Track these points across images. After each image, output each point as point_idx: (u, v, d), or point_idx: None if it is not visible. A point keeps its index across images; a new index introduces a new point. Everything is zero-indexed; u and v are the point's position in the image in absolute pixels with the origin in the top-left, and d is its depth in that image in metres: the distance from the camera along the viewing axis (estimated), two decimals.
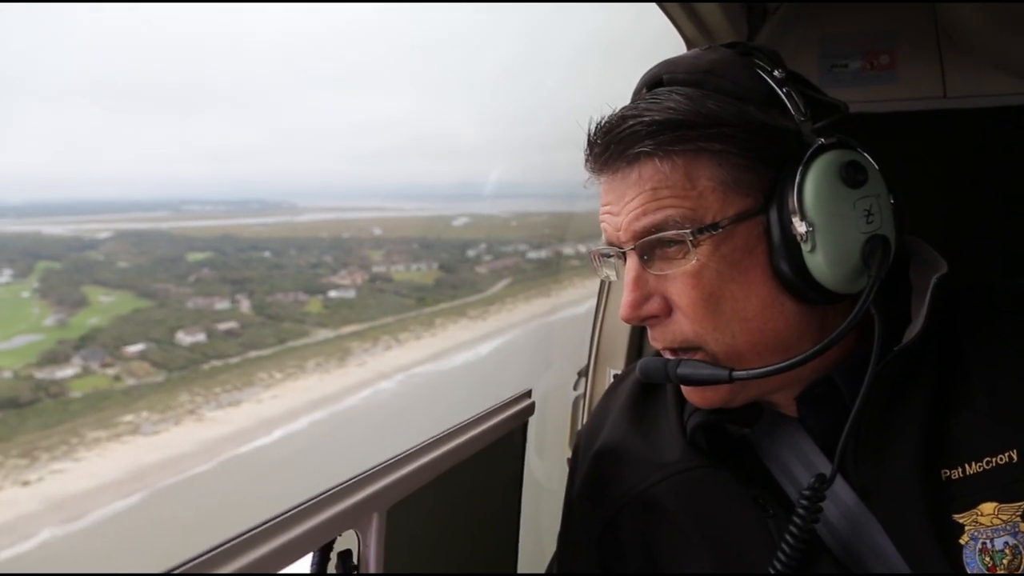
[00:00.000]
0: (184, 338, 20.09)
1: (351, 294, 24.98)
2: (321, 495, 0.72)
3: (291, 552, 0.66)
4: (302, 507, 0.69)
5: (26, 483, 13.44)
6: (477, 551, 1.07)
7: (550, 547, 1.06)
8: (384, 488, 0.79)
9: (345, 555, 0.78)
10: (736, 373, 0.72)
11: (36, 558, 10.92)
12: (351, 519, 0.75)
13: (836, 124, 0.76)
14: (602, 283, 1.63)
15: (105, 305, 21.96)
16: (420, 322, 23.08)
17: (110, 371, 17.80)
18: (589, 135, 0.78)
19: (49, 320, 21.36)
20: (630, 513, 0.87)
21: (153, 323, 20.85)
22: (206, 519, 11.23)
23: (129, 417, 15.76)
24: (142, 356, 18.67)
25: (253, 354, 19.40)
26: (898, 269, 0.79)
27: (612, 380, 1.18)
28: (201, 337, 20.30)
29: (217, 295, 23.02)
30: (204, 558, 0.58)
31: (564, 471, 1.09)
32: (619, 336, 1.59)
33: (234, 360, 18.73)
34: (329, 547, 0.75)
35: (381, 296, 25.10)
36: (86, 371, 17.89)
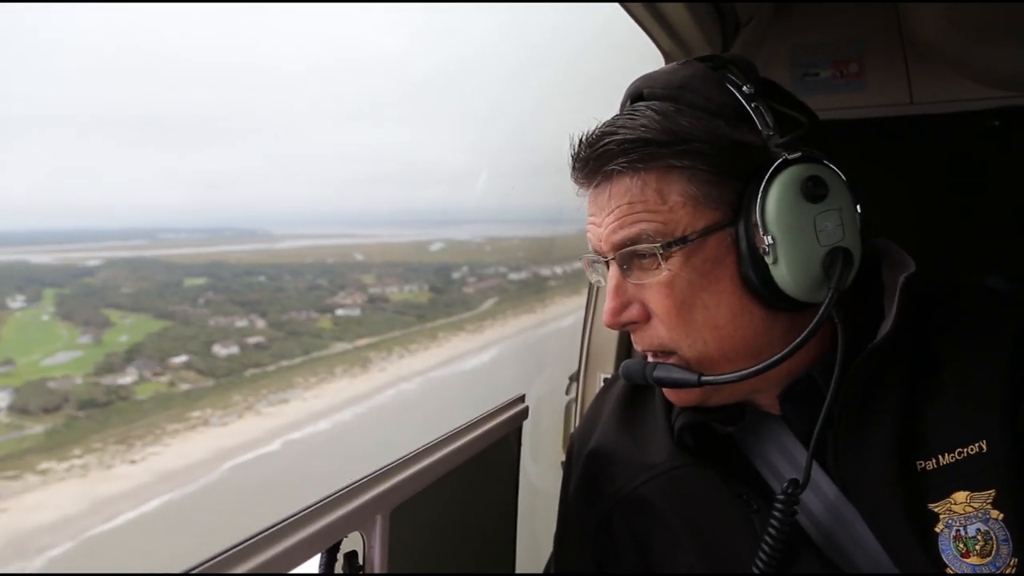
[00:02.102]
0: (220, 350, 22.20)
1: (356, 312, 27.78)
2: (327, 498, 0.75)
3: (300, 553, 0.69)
4: (309, 510, 0.72)
5: (133, 461, 16.34)
6: (477, 551, 1.09)
7: (547, 547, 1.09)
8: (387, 491, 0.82)
9: (351, 556, 0.81)
10: (704, 378, 0.77)
11: (159, 516, 14.02)
12: (356, 521, 0.77)
13: (810, 133, 0.80)
14: (590, 291, 1.67)
15: (128, 326, 24.83)
16: (424, 335, 24.83)
17: (163, 379, 19.31)
18: (572, 149, 0.82)
19: (83, 339, 23.95)
20: (621, 512, 0.91)
21: (186, 339, 23.41)
22: (281, 484, 14.52)
23: (196, 413, 17.84)
24: (187, 366, 19.99)
25: (285, 363, 20.74)
26: (870, 270, 0.82)
27: (602, 384, 1.24)
28: (235, 349, 22.56)
29: (232, 315, 26.21)
30: (219, 559, 0.60)
31: (558, 474, 1.09)
32: (608, 341, 1.64)
33: (270, 368, 20.44)
34: (336, 548, 0.79)
35: (383, 314, 28.25)
36: (142, 379, 19.30)
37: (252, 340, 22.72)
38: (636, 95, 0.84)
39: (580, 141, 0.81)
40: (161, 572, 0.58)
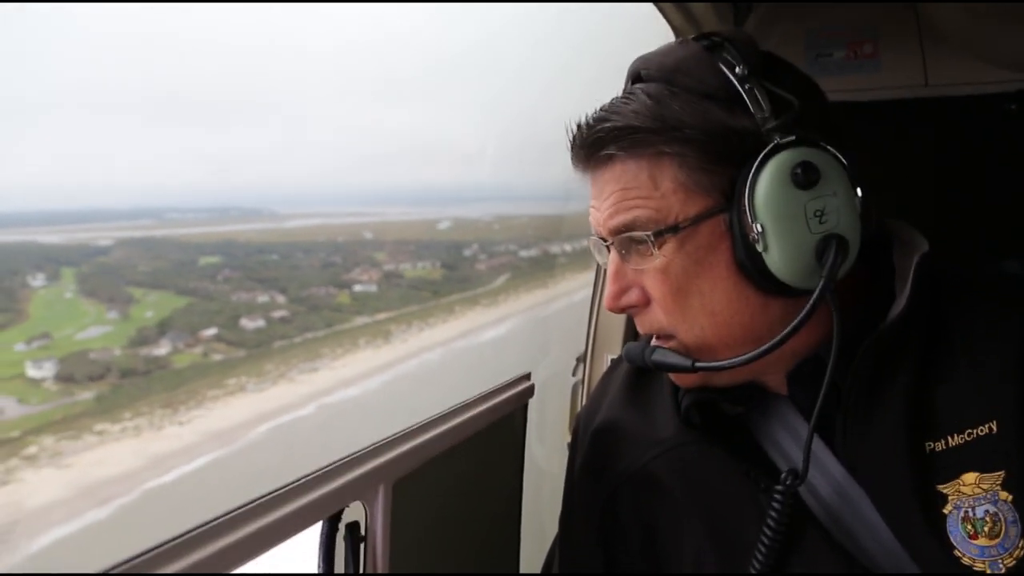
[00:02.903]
0: (248, 324, 23.01)
1: (373, 288, 29.06)
2: (329, 466, 0.76)
3: (301, 520, 0.70)
4: (311, 477, 0.73)
5: (181, 423, 17.45)
6: (480, 527, 1.11)
7: (552, 528, 1.13)
8: (390, 461, 0.83)
9: (353, 526, 0.82)
10: (698, 364, 0.78)
11: (209, 472, 15.52)
12: (358, 490, 0.79)
13: (816, 113, 0.79)
14: (597, 274, 1.70)
15: (152, 302, 26.03)
16: (441, 309, 25.43)
17: (196, 350, 20.45)
18: (571, 134, 0.83)
19: (110, 315, 25.23)
20: (628, 490, 0.91)
21: (212, 313, 24.48)
22: (318, 443, 16.00)
23: (232, 380, 19.05)
24: (217, 338, 21.04)
25: (310, 335, 21.82)
26: (881, 252, 0.83)
27: (609, 365, 1.18)
28: (261, 323, 23.48)
29: (253, 291, 27.40)
30: (216, 523, 0.62)
31: (564, 456, 1.09)
32: (616, 322, 1.68)
33: (297, 340, 21.63)
34: (337, 518, 0.80)
35: (399, 289, 29.46)
36: (176, 350, 20.41)
37: (277, 314, 23.96)
38: (635, 76, 0.85)
39: (577, 126, 0.82)
40: (155, 544, 0.57)
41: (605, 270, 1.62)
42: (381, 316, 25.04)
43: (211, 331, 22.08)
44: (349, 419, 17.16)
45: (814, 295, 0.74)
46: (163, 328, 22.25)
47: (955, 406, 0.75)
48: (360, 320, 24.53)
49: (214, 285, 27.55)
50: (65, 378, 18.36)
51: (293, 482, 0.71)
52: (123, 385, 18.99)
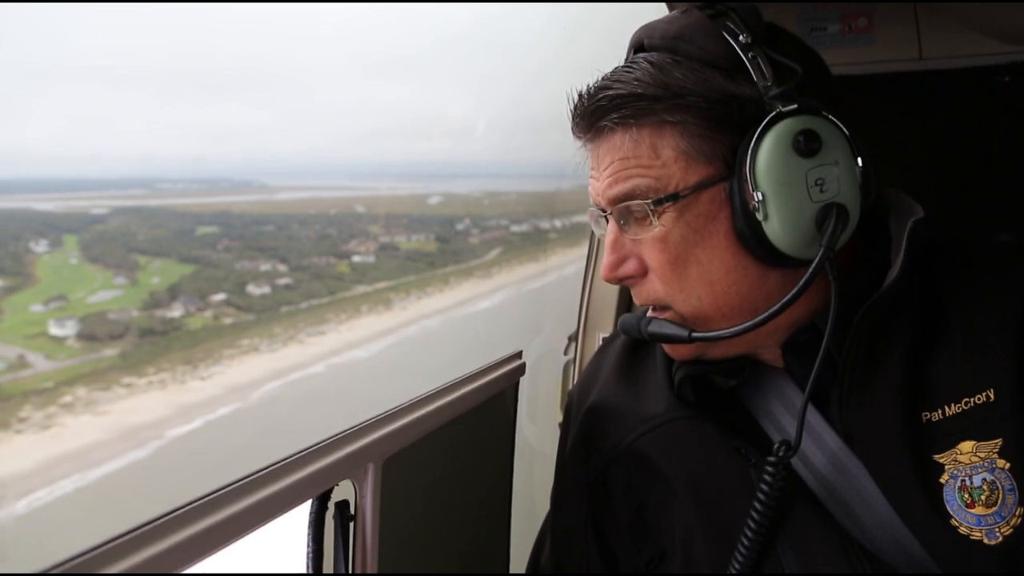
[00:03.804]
0: (254, 290, 24.14)
1: (371, 259, 30.65)
2: (317, 445, 0.76)
3: (290, 498, 0.71)
4: (300, 455, 0.73)
5: (202, 378, 19.03)
6: (471, 506, 1.11)
7: (543, 506, 1.11)
8: (379, 439, 0.84)
9: (342, 505, 0.83)
10: (695, 334, 0.79)
11: (229, 422, 16.96)
12: (347, 469, 0.79)
13: (819, 84, 0.80)
14: (589, 252, 1.72)
15: (157, 268, 27.50)
16: (437, 279, 26.87)
17: (206, 313, 21.90)
18: (572, 103, 0.84)
19: (118, 280, 26.67)
20: (619, 466, 0.92)
21: (219, 280, 25.99)
22: (330, 397, 17.72)
23: (245, 341, 20.64)
24: (226, 303, 22.33)
25: (315, 302, 23.25)
26: (877, 220, 0.83)
27: (601, 343, 1.22)
28: (267, 289, 24.57)
29: (256, 259, 28.90)
30: (205, 500, 0.62)
31: (556, 435, 1.09)
32: (608, 301, 1.70)
33: (303, 306, 23.06)
34: (327, 496, 0.81)
35: (396, 260, 31.14)
36: (188, 313, 21.96)
37: (281, 282, 25.60)
38: (637, 45, 0.86)
39: (579, 95, 0.84)
40: (149, 519, 0.57)
41: (598, 250, 1.60)
42: (381, 285, 26.73)
43: (220, 296, 23.66)
44: (358, 377, 19.07)
45: (814, 263, 0.74)
46: (174, 293, 23.80)
47: (952, 376, 0.75)
48: (360, 288, 26.20)
49: (216, 254, 28.78)
50: (87, 336, 19.89)
51: (282, 460, 0.70)
52: (143, 344, 20.66)
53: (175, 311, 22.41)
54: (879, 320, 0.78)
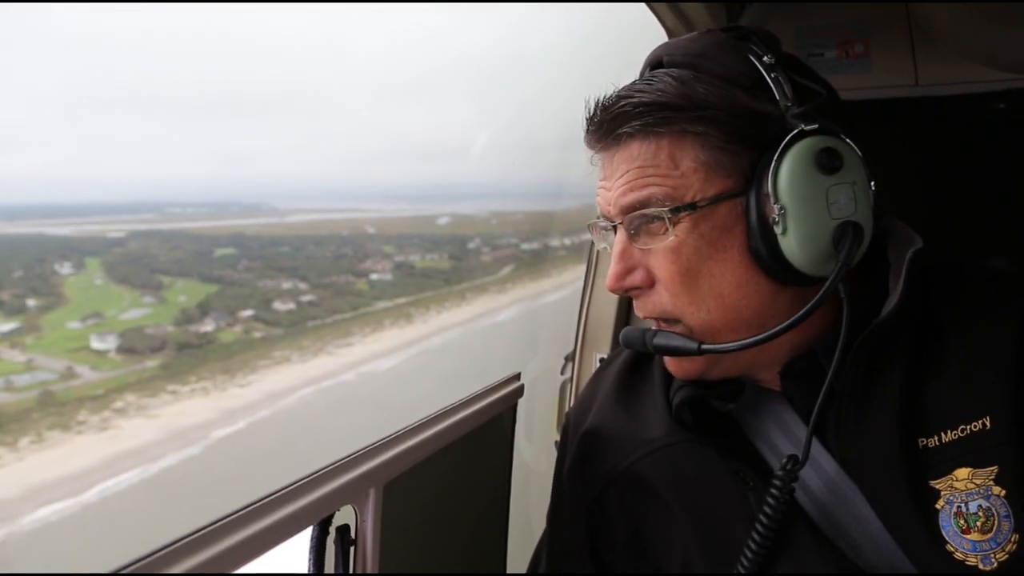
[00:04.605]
0: (280, 306, 25.14)
1: (388, 276, 32.31)
2: (320, 471, 0.77)
3: (293, 526, 0.71)
4: (302, 482, 0.74)
5: (241, 386, 20.62)
6: (469, 528, 1.13)
7: (539, 526, 1.12)
8: (380, 465, 0.85)
9: (343, 529, 0.84)
10: (704, 346, 0.79)
11: (270, 424, 18.58)
12: (349, 494, 0.80)
13: (830, 109, 0.80)
14: (587, 270, 1.74)
15: (181, 288, 28.95)
16: (454, 295, 28.17)
17: (236, 329, 23.16)
18: (588, 111, 0.84)
19: (145, 299, 28.13)
20: (617, 489, 0.92)
21: (244, 297, 27.45)
22: (362, 402, 19.25)
23: (277, 353, 21.95)
24: (255, 319, 23.58)
25: (339, 317, 24.54)
26: (877, 247, 0.82)
27: (599, 364, 1.22)
28: (292, 306, 25.46)
29: (277, 278, 30.29)
30: (209, 530, 0.62)
31: (552, 454, 1.11)
32: (605, 320, 1.71)
33: (328, 321, 24.33)
34: (328, 521, 0.82)
35: (413, 278, 32.80)
36: (219, 328, 23.25)
37: (305, 298, 27.07)
38: (656, 63, 0.87)
39: (596, 103, 0.84)
40: (138, 556, 0.57)
41: (595, 269, 1.69)
42: (401, 300, 28.23)
43: (248, 312, 25.14)
44: (388, 384, 20.52)
45: (831, 277, 0.75)
46: (203, 309, 25.26)
47: (948, 403, 0.76)
48: (381, 304, 27.67)
49: (236, 273, 30.16)
50: (127, 350, 21.30)
51: (284, 487, 0.71)
52: (181, 356, 22.11)
53: (207, 326, 23.85)
54: (877, 346, 0.78)
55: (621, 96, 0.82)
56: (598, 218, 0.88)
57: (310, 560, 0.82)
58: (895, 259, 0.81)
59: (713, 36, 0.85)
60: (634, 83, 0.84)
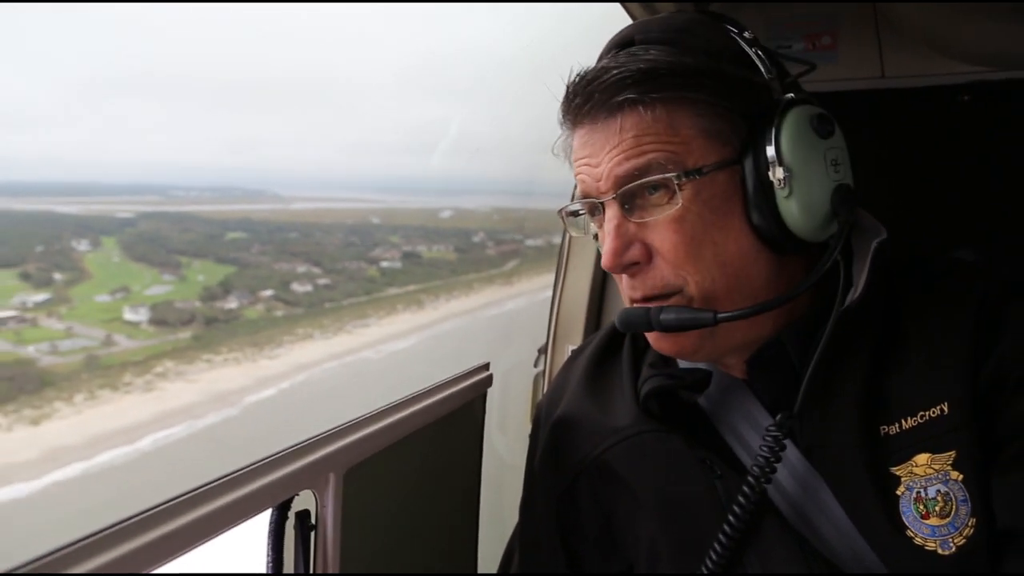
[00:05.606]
0: (298, 288, 26.03)
1: (398, 264, 33.63)
2: (277, 454, 0.76)
3: (248, 507, 0.71)
4: (259, 464, 0.73)
5: (271, 358, 22.34)
6: (437, 518, 1.12)
7: (512, 518, 1.14)
8: (340, 450, 0.84)
9: (303, 515, 0.83)
10: (720, 315, 0.78)
11: (301, 388, 20.01)
12: (308, 479, 0.80)
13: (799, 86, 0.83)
14: (558, 264, 1.76)
15: (199, 268, 30.52)
16: (462, 285, 29.89)
17: (259, 307, 24.65)
18: (569, 88, 0.83)
19: (166, 276, 29.74)
20: (586, 479, 0.94)
21: (263, 279, 28.93)
22: (384, 375, 20.85)
23: (300, 330, 23.59)
24: (275, 298, 25.10)
25: (354, 300, 26.14)
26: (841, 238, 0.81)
27: (569, 355, 1.20)
28: (309, 288, 26.19)
29: (292, 261, 29.51)
30: (160, 509, 0.62)
31: (525, 446, 1.11)
32: (576, 313, 1.73)
33: (344, 303, 25.80)
34: (287, 506, 0.81)
35: (421, 267, 34.46)
36: (242, 305, 24.69)
37: (321, 282, 28.77)
38: (625, 42, 0.87)
39: (579, 78, 0.83)
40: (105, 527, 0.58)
41: (567, 261, 1.77)
42: (411, 288, 30.04)
43: (268, 292, 26.87)
44: (406, 361, 22.46)
45: (837, 234, 0.79)
46: (225, 288, 26.97)
47: (909, 390, 0.78)
48: (392, 290, 29.44)
49: (251, 256, 31.57)
50: (159, 322, 23.03)
51: (241, 469, 0.71)
52: (211, 329, 23.91)
53: (231, 303, 25.58)
54: (841, 336, 0.79)
55: (610, 67, 0.81)
56: (573, 202, 0.87)
57: (268, 544, 0.81)
58: (860, 249, 0.83)
59: (690, 14, 0.88)
60: (616, 57, 0.83)
